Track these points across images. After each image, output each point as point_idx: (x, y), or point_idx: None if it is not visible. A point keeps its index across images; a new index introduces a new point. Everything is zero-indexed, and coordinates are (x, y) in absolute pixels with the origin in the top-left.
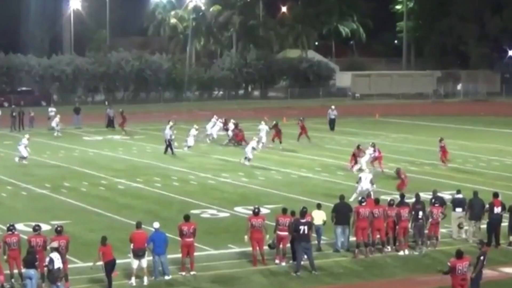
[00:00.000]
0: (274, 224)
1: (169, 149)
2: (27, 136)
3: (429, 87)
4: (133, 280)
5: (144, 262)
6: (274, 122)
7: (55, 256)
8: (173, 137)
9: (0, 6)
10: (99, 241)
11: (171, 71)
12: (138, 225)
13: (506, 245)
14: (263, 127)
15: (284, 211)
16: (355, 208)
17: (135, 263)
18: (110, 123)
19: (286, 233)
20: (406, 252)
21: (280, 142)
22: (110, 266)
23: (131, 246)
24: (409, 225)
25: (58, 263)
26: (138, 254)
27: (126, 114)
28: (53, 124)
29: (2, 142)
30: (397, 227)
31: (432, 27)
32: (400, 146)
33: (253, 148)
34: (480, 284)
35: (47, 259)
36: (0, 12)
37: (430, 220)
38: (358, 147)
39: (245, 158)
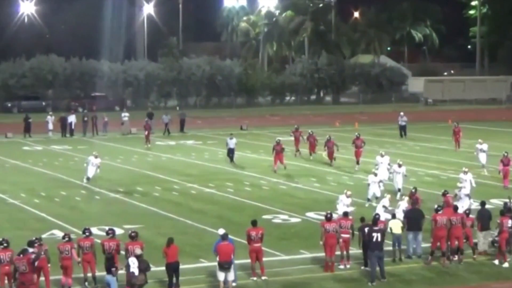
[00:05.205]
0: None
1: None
2: (95, 153)
3: (503, 92)
4: None
5: (231, 275)
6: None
7: (132, 260)
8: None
9: (75, 13)
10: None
11: (242, 77)
12: (224, 237)
13: None
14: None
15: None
16: (433, 216)
17: (221, 276)
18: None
19: (348, 236)
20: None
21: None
22: (171, 268)
23: (217, 259)
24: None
25: (133, 268)
26: (224, 267)
27: (198, 119)
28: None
29: (77, 147)
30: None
31: (505, 32)
32: (473, 152)
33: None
34: None
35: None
36: (75, 19)
37: None
38: None
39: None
